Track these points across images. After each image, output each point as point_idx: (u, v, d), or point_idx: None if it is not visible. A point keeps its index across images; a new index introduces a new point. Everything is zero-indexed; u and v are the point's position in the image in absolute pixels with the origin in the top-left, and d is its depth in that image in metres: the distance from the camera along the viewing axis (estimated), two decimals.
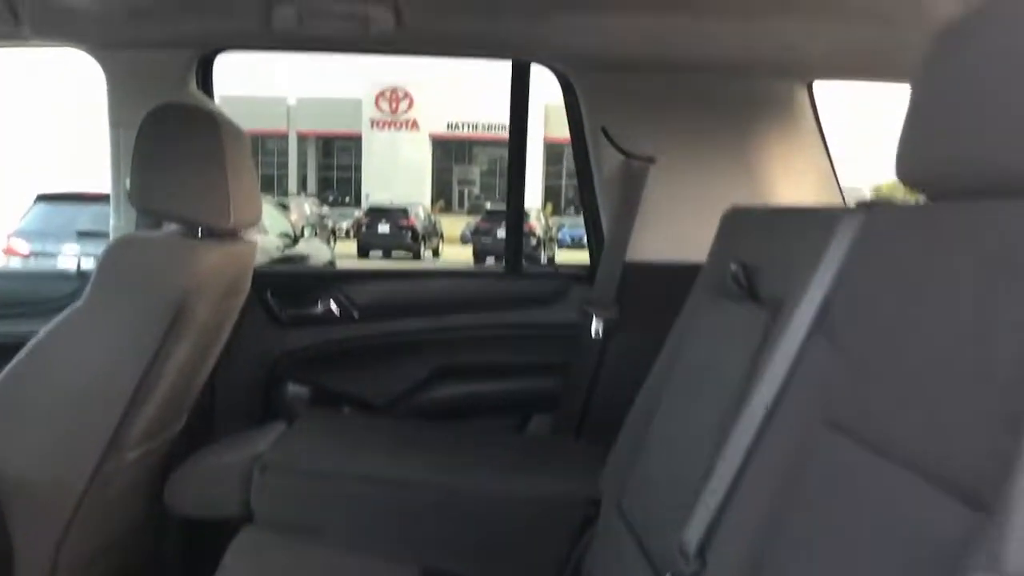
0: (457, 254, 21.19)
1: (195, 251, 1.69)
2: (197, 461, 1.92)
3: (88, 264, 2.27)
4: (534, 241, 17.48)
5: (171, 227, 1.83)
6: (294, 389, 2.30)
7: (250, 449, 1.85)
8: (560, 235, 22.56)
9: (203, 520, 1.90)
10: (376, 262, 18.26)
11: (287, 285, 2.36)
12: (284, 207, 12.92)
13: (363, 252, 19.92)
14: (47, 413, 1.62)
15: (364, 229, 20.75)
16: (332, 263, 10.78)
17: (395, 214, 20.53)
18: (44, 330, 1.65)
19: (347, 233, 23.01)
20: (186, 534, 1.49)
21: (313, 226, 15.10)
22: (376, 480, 1.73)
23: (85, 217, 7.47)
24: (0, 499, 1.52)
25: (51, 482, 1.60)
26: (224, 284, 1.81)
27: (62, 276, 2.40)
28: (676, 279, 1.61)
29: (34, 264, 7.84)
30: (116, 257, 1.68)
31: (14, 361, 1.63)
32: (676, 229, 2.21)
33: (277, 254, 8.69)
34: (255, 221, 1.90)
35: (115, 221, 2.20)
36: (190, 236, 1.75)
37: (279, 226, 9.68)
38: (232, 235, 1.83)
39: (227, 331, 2.00)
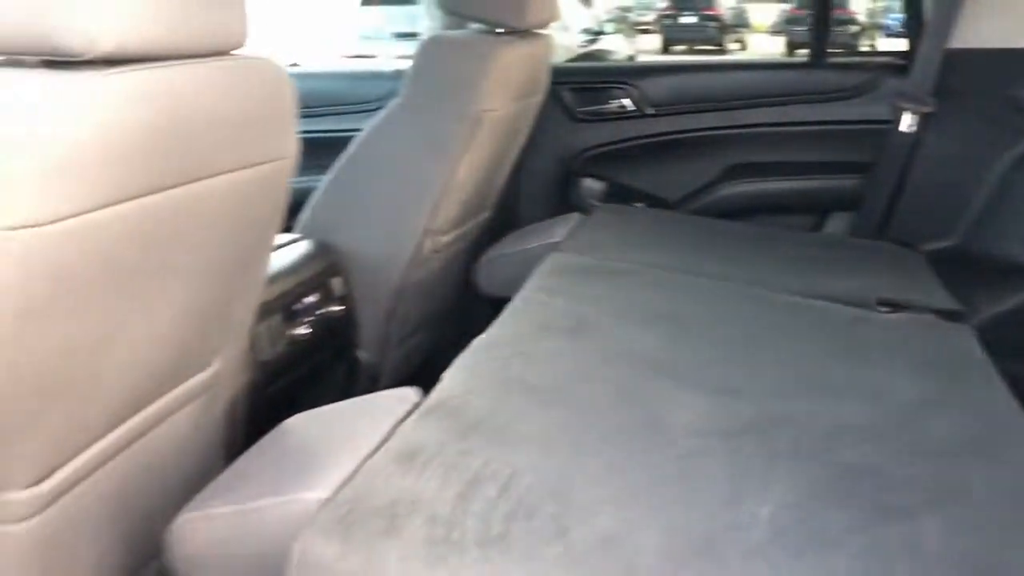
0: (768, 45, 19.79)
1: (494, 47, 1.77)
2: (502, 247, 2.11)
3: (401, 65, 2.44)
4: (854, 28, 15.76)
5: (473, 27, 1.92)
6: (589, 183, 2.39)
7: (549, 237, 1.99)
8: (888, 21, 19.83)
9: (506, 300, 2.09)
10: (675, 58, 17.60)
11: (583, 82, 2.40)
12: (587, 2, 12.72)
13: (666, 46, 19.24)
14: (374, 196, 1.83)
15: (665, 21, 19.89)
16: (632, 58, 10.63)
17: (699, 2, 19.41)
18: (370, 125, 1.83)
19: (647, 27, 22.22)
20: (490, 313, 1.66)
21: (615, 20, 14.84)
22: (670, 271, 1.74)
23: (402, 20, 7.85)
24: (345, 266, 1.78)
25: (382, 256, 1.83)
26: (522, 80, 1.89)
27: (379, 76, 2.58)
28: (1005, 69, 1.43)
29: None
30: (426, 55, 1.81)
31: (349, 152, 1.84)
32: (1011, 11, 1.94)
33: (578, 50, 8.69)
34: (552, 18, 1.93)
35: (428, 22, 2.33)
36: (490, 34, 1.83)
37: (581, 22, 9.61)
38: (529, 32, 1.88)
39: (526, 130, 2.09)
